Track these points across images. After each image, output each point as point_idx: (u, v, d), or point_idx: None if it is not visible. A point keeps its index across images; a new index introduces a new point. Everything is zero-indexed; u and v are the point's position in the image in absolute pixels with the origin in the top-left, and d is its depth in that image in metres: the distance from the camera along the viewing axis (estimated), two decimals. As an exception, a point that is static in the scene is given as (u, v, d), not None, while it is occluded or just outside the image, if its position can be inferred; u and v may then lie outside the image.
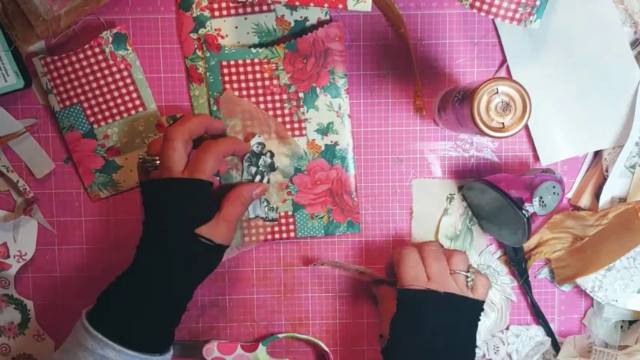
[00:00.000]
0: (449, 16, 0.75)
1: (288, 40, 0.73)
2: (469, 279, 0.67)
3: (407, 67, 0.75)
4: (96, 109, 0.74)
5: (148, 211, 0.66)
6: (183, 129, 0.66)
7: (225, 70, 0.73)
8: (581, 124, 0.75)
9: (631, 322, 0.77)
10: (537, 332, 0.77)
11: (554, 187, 0.69)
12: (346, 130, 0.75)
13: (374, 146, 0.76)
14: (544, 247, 0.76)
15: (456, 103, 0.66)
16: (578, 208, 0.76)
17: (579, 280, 0.75)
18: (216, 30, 0.73)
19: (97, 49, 0.72)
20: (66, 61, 0.72)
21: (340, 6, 0.67)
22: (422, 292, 0.66)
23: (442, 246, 0.72)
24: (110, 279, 0.65)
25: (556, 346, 0.77)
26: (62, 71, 0.72)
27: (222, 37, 0.73)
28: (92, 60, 0.73)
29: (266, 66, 0.73)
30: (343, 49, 0.74)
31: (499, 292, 0.77)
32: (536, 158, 0.76)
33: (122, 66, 0.73)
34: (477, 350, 0.77)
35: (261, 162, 0.74)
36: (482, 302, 0.68)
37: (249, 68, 0.73)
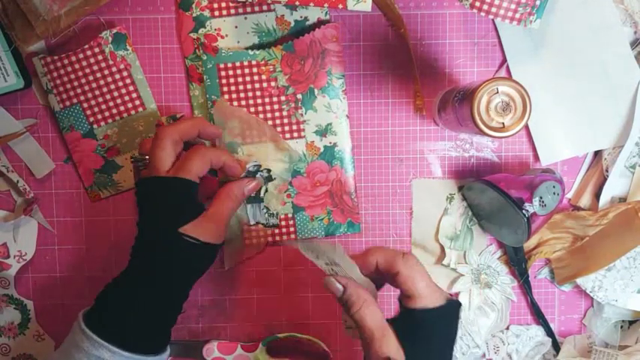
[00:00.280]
0: (449, 16, 0.75)
1: (286, 41, 0.73)
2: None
3: (407, 67, 0.75)
4: (96, 109, 0.74)
5: (139, 210, 0.66)
6: (173, 129, 0.66)
7: (223, 73, 0.73)
8: (581, 124, 0.75)
9: (631, 322, 0.77)
10: (537, 332, 0.77)
11: (554, 187, 0.69)
12: (345, 131, 0.75)
13: (374, 146, 0.76)
14: (544, 247, 0.76)
15: (456, 103, 0.66)
16: (578, 208, 0.76)
17: (579, 280, 0.75)
18: (216, 30, 0.73)
19: (96, 49, 0.72)
20: (66, 61, 0.72)
21: (340, 6, 0.67)
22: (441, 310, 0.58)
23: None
24: (110, 279, 0.65)
25: (556, 346, 0.77)
26: (62, 71, 0.72)
27: (222, 37, 0.73)
28: (92, 60, 0.73)
29: (263, 68, 0.73)
30: (340, 49, 0.74)
31: (499, 292, 0.77)
32: (536, 158, 0.76)
33: (122, 66, 0.73)
34: (477, 350, 0.77)
35: (258, 176, 0.74)
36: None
37: (246, 70, 0.73)
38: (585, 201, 0.76)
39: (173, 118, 0.75)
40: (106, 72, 0.73)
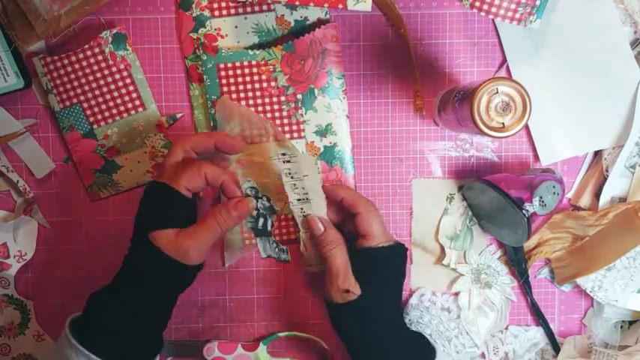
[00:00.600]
0: (449, 16, 0.75)
1: (286, 41, 0.73)
2: None
3: (407, 67, 0.75)
4: (96, 109, 0.74)
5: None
6: (187, 139, 0.66)
7: (223, 73, 0.73)
8: (581, 124, 0.75)
9: (631, 322, 0.77)
10: (536, 334, 0.77)
11: (554, 187, 0.69)
12: (345, 131, 0.74)
13: (374, 146, 0.76)
14: (544, 247, 0.76)
15: (456, 103, 0.66)
16: (578, 208, 0.76)
17: (579, 280, 0.75)
18: (215, 30, 0.73)
19: (96, 49, 0.72)
20: (66, 61, 0.72)
21: (340, 6, 0.67)
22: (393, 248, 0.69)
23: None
24: (110, 279, 0.65)
25: (556, 347, 0.77)
26: (62, 71, 0.72)
27: (222, 37, 0.73)
28: (92, 60, 0.73)
29: (263, 68, 0.73)
30: (340, 49, 0.74)
31: (499, 292, 0.77)
32: (536, 158, 0.76)
33: (122, 66, 0.73)
34: (476, 350, 0.77)
35: (260, 205, 0.74)
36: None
37: (246, 70, 0.73)
38: (585, 201, 0.76)
39: (173, 118, 0.75)
40: (106, 72, 0.73)
